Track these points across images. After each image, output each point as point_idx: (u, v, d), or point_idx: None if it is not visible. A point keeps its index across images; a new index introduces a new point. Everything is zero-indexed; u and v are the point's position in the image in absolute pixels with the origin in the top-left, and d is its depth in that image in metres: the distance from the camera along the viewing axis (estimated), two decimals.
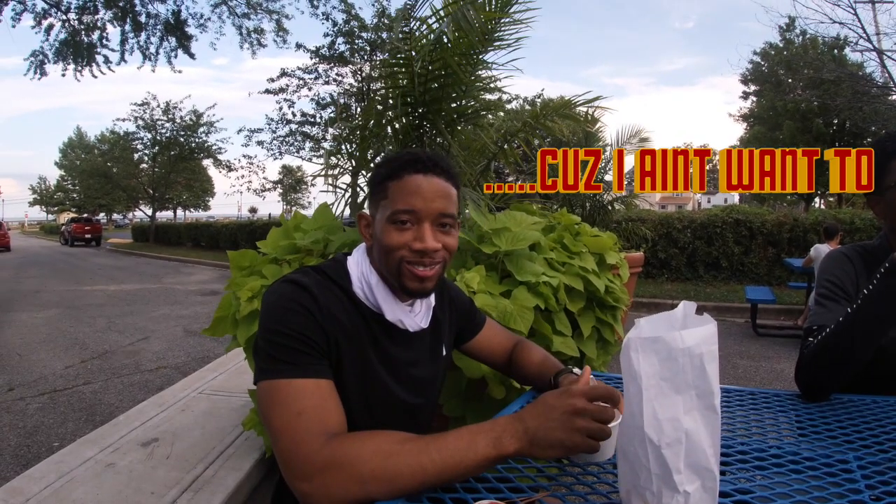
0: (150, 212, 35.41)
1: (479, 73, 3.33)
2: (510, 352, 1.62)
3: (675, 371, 0.84)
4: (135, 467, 3.02)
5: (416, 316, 1.31)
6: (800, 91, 24.68)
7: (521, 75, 3.42)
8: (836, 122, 24.59)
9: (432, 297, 1.38)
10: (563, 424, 0.94)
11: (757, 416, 1.50)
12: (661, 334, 0.85)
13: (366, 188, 1.34)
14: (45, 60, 14.19)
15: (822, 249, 6.93)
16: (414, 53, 3.11)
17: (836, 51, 21.78)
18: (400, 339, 1.31)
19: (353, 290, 1.26)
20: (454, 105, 3.38)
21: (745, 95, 31.21)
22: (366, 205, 1.34)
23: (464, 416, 2.49)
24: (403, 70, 3.23)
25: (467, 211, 2.94)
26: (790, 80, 26.03)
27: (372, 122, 3.58)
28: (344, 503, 0.97)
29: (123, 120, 30.06)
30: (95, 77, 14.73)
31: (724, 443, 1.28)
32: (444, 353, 1.46)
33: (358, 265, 1.29)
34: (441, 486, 1.00)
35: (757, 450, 1.25)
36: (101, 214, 57.54)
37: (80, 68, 14.43)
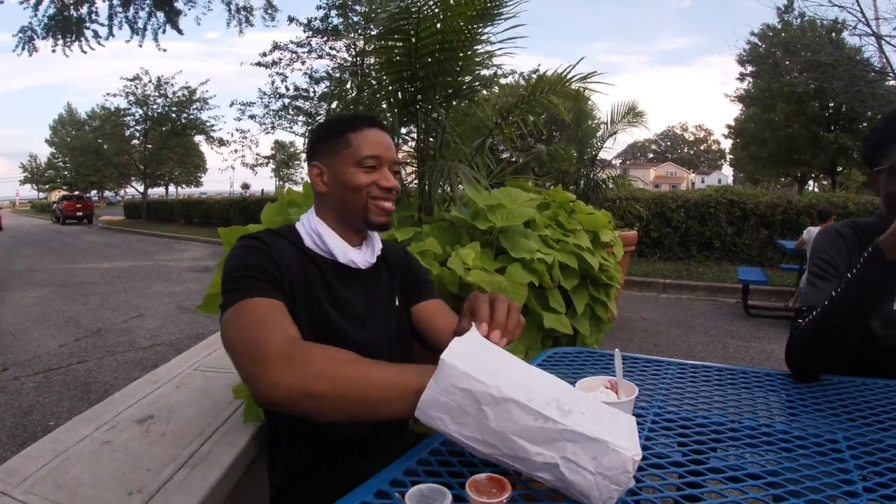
0: (141, 188, 35.19)
1: (476, 48, 3.30)
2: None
3: (454, 409, 0.92)
4: (131, 444, 3.02)
5: (364, 255, 1.47)
6: (796, 74, 24.62)
7: (517, 52, 3.39)
8: (832, 105, 24.55)
9: (378, 242, 1.53)
10: None
11: (748, 394, 1.52)
12: (425, 401, 0.94)
13: (312, 142, 1.50)
14: (34, 36, 14.00)
15: (814, 232, 6.93)
16: (409, 26, 3.07)
17: (833, 34, 21.68)
18: (352, 282, 1.45)
19: (304, 245, 1.41)
20: (449, 80, 3.35)
21: (742, 77, 31.08)
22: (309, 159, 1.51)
23: None
24: (399, 44, 3.20)
25: (462, 187, 2.94)
26: (787, 63, 25.94)
27: (366, 96, 3.56)
28: (287, 393, 1.03)
29: (114, 95, 29.89)
30: (85, 52, 14.53)
31: (716, 420, 1.31)
32: (397, 304, 1.56)
33: (304, 224, 1.46)
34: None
35: (748, 428, 1.27)
36: (93, 192, 57.17)
37: (69, 44, 14.25)
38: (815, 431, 1.25)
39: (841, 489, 0.98)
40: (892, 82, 14.85)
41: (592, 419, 0.92)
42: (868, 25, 13.35)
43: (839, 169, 27.64)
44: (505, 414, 0.90)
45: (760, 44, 28.34)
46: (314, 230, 1.42)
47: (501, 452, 0.91)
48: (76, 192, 41.87)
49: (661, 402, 1.43)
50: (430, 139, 3.48)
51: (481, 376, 0.91)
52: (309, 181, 1.51)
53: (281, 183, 48.98)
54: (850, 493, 0.96)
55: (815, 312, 1.53)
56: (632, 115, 7.82)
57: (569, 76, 3.48)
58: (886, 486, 0.98)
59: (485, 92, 4.09)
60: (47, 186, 63.04)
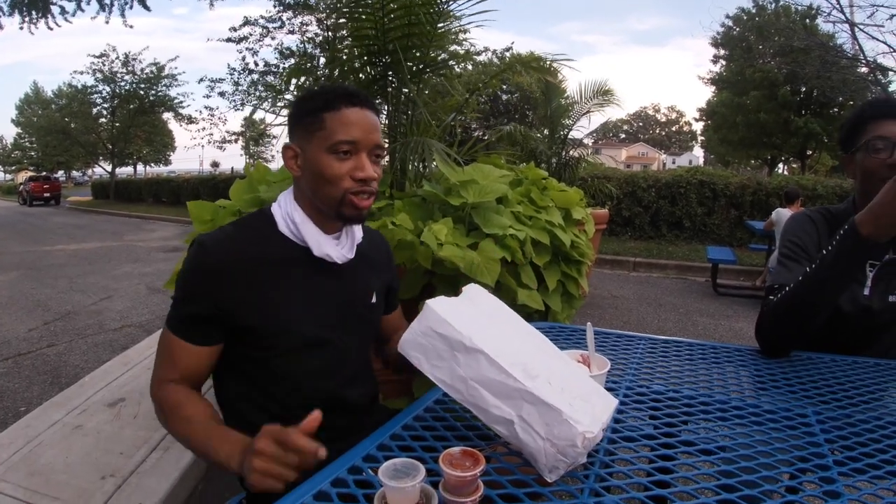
0: (109, 168, 34.57)
1: (446, 22, 3.27)
2: (393, 333, 1.61)
3: (429, 350, 1.02)
4: (102, 428, 2.99)
5: (342, 248, 1.35)
6: (769, 58, 24.80)
7: (489, 29, 3.38)
8: (803, 90, 24.78)
9: (358, 232, 1.42)
10: (248, 460, 0.97)
11: (719, 369, 1.54)
12: (406, 339, 1.05)
13: (289, 120, 1.38)
14: (0, 13, 13.65)
15: (783, 213, 7.04)
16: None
17: (807, 20, 21.85)
18: (327, 275, 1.35)
19: (278, 230, 1.32)
20: (419, 54, 3.32)
21: (716, 59, 31.24)
22: (287, 138, 1.36)
23: None
24: (368, 18, 3.16)
25: (434, 164, 2.92)
26: (760, 47, 26.12)
27: (337, 72, 3.51)
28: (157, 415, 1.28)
29: (81, 73, 29.36)
30: (51, 29, 14.18)
31: (687, 394, 1.32)
32: (374, 301, 1.47)
33: (281, 207, 1.35)
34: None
35: (719, 402, 1.28)
36: (60, 172, 56.04)
37: (35, 21, 13.90)
38: (786, 406, 1.27)
39: (812, 462, 0.99)
40: (863, 69, 14.99)
41: (560, 391, 0.94)
42: (842, 12, 13.40)
43: (809, 152, 28.01)
44: (473, 363, 0.97)
45: (734, 27, 28.51)
46: (290, 217, 1.32)
47: (465, 398, 0.99)
48: (43, 173, 40.90)
49: (632, 376, 1.44)
50: (403, 116, 3.46)
51: (457, 325, 0.98)
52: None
53: (251, 160, 48.25)
54: (821, 466, 0.98)
55: (786, 289, 1.56)
56: (601, 93, 7.83)
57: (542, 57, 3.48)
58: (856, 460, 1.01)
59: (457, 69, 4.05)
60: (13, 168, 61.51)
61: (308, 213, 1.33)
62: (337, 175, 1.25)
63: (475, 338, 0.97)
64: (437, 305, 1.02)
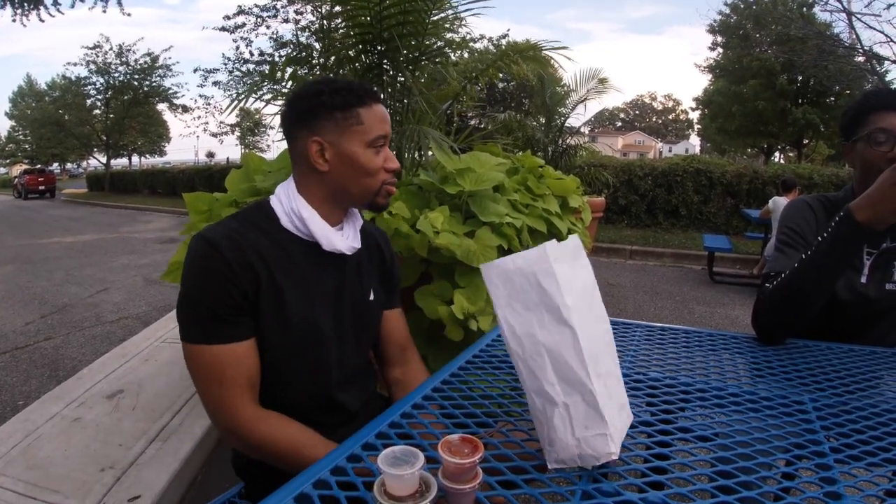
0: (104, 160, 34.44)
1: (441, 10, 3.25)
2: (399, 355, 1.58)
3: (516, 290, 0.92)
4: (101, 420, 3.00)
5: (347, 239, 1.36)
6: (766, 47, 24.73)
7: (485, 16, 3.37)
8: (800, 79, 24.75)
9: (358, 219, 1.43)
10: None
11: (715, 357, 1.54)
12: (498, 264, 0.94)
13: (306, 113, 1.32)
14: None
15: (779, 202, 7.04)
16: None
17: (804, 9, 21.79)
18: (327, 266, 1.35)
19: (280, 226, 1.31)
20: (415, 42, 3.30)
21: (714, 46, 31.12)
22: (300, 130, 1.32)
23: (426, 355, 2.49)
24: (363, 6, 3.13)
25: (431, 152, 2.92)
26: (757, 35, 26.04)
27: (332, 59, 3.49)
28: (249, 447, 1.24)
29: (75, 64, 29.25)
30: (43, 21, 14.12)
31: (684, 381, 1.32)
32: (373, 297, 1.47)
33: (282, 203, 1.33)
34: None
35: (716, 389, 1.29)
36: (55, 164, 55.78)
37: (27, 13, 13.81)
38: (782, 393, 1.27)
39: (808, 449, 1.00)
40: (860, 59, 14.96)
41: (608, 397, 0.92)
42: (839, 1, 13.35)
43: (805, 142, 27.99)
44: (557, 333, 0.90)
45: (732, 15, 28.40)
46: (296, 213, 1.30)
47: (521, 356, 0.93)
48: (38, 166, 40.69)
49: (629, 364, 1.44)
50: (398, 104, 3.45)
51: (564, 287, 0.90)
52: (293, 154, 1.35)
53: (246, 151, 47.90)
54: (818, 453, 0.99)
55: (783, 276, 1.56)
56: (596, 80, 7.81)
57: (538, 45, 3.47)
58: (852, 447, 1.02)
59: (453, 57, 4.04)
60: (8, 161, 61.19)
61: (316, 206, 1.32)
62: (376, 167, 1.32)
63: (573, 311, 0.90)
64: (553, 252, 0.91)
